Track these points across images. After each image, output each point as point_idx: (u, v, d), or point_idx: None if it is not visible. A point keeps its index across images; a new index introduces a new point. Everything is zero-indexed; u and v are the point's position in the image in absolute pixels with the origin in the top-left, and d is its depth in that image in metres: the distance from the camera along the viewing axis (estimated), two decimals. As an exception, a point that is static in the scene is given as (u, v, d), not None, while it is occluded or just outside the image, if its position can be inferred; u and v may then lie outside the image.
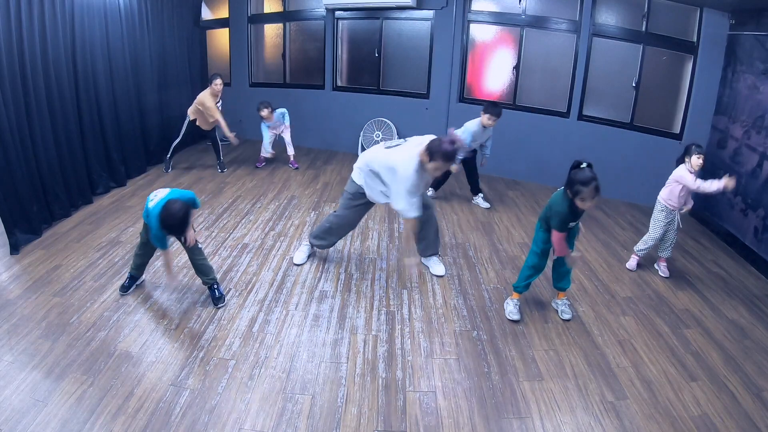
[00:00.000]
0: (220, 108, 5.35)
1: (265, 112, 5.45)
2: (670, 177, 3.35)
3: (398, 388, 2.30)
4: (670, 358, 2.59)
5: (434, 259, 3.41)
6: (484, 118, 4.32)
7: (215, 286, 2.93)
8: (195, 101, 5.22)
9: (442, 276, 3.33)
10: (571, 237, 2.71)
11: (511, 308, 2.89)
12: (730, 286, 3.42)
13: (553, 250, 2.71)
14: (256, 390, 2.24)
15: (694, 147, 3.28)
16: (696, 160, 3.24)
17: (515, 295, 2.93)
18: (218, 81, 5.22)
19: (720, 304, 3.15)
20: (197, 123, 5.35)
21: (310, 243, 3.46)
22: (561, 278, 2.90)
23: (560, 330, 2.79)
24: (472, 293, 3.15)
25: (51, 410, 2.06)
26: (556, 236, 2.60)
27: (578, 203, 2.47)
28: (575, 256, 2.71)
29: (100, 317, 2.74)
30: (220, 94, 5.31)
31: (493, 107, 4.31)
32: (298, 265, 3.40)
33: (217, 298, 2.90)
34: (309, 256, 3.49)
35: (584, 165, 2.49)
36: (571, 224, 2.61)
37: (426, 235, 3.29)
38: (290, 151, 5.77)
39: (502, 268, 3.49)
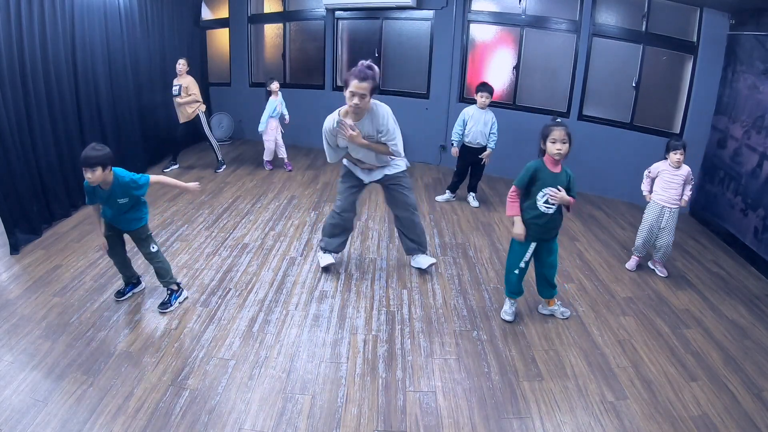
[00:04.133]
0: (176, 93, 5.31)
1: (274, 85, 5.45)
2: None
3: (398, 388, 2.30)
4: (670, 358, 2.59)
5: (421, 256, 3.37)
6: (478, 98, 4.38)
7: (170, 292, 2.88)
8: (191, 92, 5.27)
9: (432, 265, 3.32)
10: (540, 230, 2.65)
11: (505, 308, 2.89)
12: (730, 286, 3.42)
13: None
14: (256, 390, 2.24)
15: (671, 142, 3.30)
16: (672, 156, 3.27)
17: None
18: (178, 62, 5.26)
19: (720, 304, 3.15)
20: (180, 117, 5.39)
21: (321, 248, 3.37)
22: (543, 286, 2.85)
23: (560, 330, 2.79)
24: (472, 293, 3.15)
25: (51, 410, 2.06)
26: (511, 190, 2.64)
27: (549, 147, 2.49)
28: (519, 233, 2.62)
29: (100, 317, 2.74)
30: (183, 73, 5.31)
31: (482, 85, 4.41)
32: (326, 265, 3.29)
33: (164, 303, 2.84)
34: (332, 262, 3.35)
35: (559, 119, 2.57)
36: (544, 192, 2.55)
37: (409, 236, 3.29)
38: (283, 154, 5.73)
39: (502, 268, 3.48)
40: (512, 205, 2.66)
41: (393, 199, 3.23)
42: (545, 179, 2.56)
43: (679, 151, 3.25)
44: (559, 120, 2.55)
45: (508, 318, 2.84)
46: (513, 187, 2.64)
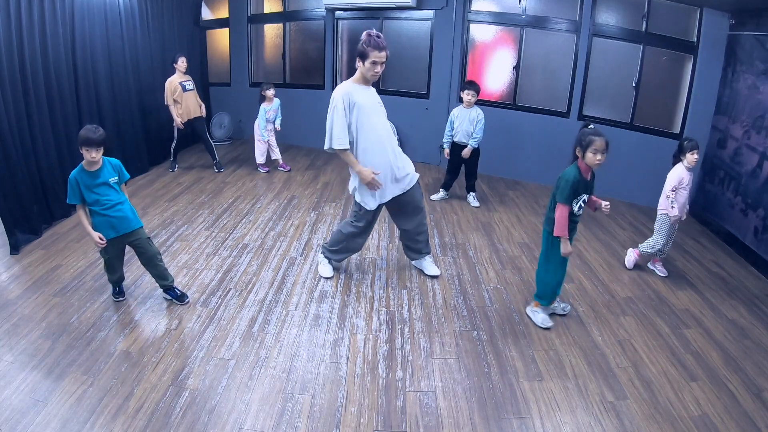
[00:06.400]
0: (191, 88, 5.26)
1: (271, 92, 5.34)
2: (669, 183, 3.26)
3: (398, 388, 2.30)
4: (670, 358, 2.59)
5: (427, 259, 3.37)
6: (464, 96, 4.39)
7: (174, 288, 2.93)
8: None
9: (437, 276, 3.31)
10: (571, 231, 2.63)
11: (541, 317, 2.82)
12: (730, 286, 3.42)
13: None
14: (256, 390, 2.24)
15: (686, 143, 3.23)
16: (691, 157, 3.20)
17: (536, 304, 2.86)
18: (181, 59, 5.17)
19: (720, 304, 3.15)
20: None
21: (326, 257, 3.31)
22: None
23: (560, 330, 2.79)
24: (472, 293, 3.15)
25: (51, 410, 2.06)
26: (559, 210, 2.53)
27: (589, 157, 2.46)
28: (570, 251, 2.60)
29: (100, 317, 2.74)
30: (185, 71, 5.24)
31: (467, 83, 4.43)
32: (327, 278, 3.26)
33: (179, 296, 2.91)
34: (334, 269, 3.34)
35: (592, 126, 2.54)
36: (581, 199, 2.54)
37: (413, 238, 3.23)
38: (276, 155, 5.64)
39: (502, 268, 3.49)
40: (566, 226, 2.55)
41: (407, 207, 3.10)
42: (582, 188, 2.55)
43: (696, 150, 3.19)
44: (592, 127, 2.53)
45: (551, 324, 2.80)
46: (563, 207, 2.53)
